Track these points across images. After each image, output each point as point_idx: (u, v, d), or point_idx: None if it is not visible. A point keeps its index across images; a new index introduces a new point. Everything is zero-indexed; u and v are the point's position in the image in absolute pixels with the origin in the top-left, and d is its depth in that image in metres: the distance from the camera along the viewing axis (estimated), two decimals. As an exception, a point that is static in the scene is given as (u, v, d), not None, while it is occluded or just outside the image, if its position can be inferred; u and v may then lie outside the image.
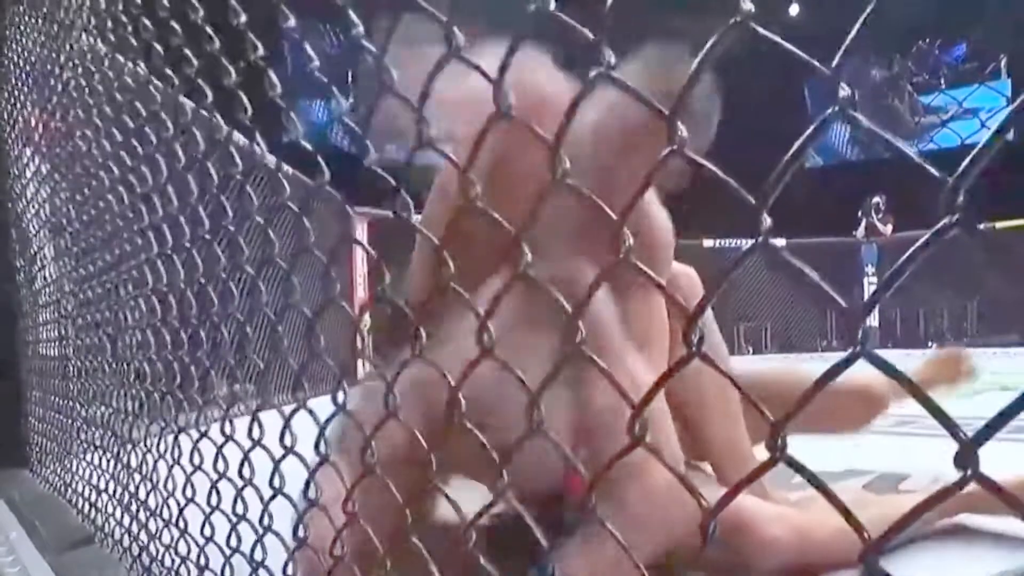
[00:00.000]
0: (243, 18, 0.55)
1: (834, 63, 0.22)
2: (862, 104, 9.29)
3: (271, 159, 0.58)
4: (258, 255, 0.59)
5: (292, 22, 0.50)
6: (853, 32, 0.24)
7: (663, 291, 0.29)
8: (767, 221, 0.25)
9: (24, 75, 1.53)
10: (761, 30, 0.24)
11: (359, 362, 0.59)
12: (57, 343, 1.50)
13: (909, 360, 1.36)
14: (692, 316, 0.27)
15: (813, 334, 7.47)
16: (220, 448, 0.69)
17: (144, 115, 0.83)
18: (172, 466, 0.82)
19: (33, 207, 1.59)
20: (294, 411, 0.57)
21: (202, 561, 0.74)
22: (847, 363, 0.24)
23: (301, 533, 0.58)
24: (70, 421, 1.35)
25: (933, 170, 0.20)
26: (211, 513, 0.73)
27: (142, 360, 0.92)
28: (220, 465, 0.70)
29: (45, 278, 1.57)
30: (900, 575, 0.25)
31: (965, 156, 0.22)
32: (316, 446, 0.54)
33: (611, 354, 0.76)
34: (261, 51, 0.53)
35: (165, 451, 0.84)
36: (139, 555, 0.92)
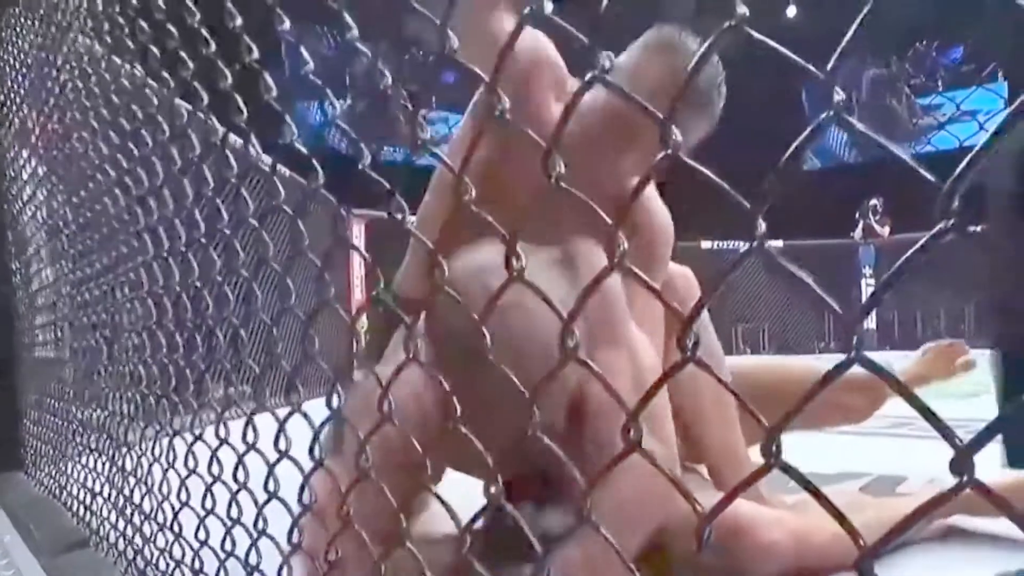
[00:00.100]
0: (239, 21, 0.55)
1: (829, 67, 0.22)
2: (860, 106, 9.33)
3: (267, 161, 0.58)
4: (253, 258, 0.59)
5: (287, 25, 0.50)
6: (848, 36, 0.24)
7: (659, 296, 0.29)
8: (762, 226, 0.25)
9: (20, 77, 1.53)
10: (755, 34, 0.24)
11: (354, 365, 0.58)
12: (53, 345, 1.49)
13: (906, 362, 1.37)
14: (687, 321, 0.27)
15: (811, 335, 7.48)
16: (215, 451, 0.69)
17: (140, 117, 0.82)
18: (167, 469, 0.82)
19: (30, 209, 1.58)
20: (289, 415, 0.56)
21: (197, 565, 0.73)
22: (842, 368, 0.24)
23: (296, 537, 0.57)
24: (65, 424, 1.35)
25: (928, 175, 0.20)
26: (206, 517, 0.72)
27: (137, 363, 0.91)
28: (215, 469, 0.70)
29: (41, 280, 1.57)
30: (897, 577, 0.24)
31: (963, 158, 0.22)
32: (311, 450, 0.54)
33: (619, 327, 0.77)
34: (256, 54, 0.53)
35: (160, 454, 0.84)
36: (134, 559, 0.91)
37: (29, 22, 1.43)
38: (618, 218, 0.29)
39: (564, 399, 0.72)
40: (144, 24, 0.74)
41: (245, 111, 0.56)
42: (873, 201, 7.96)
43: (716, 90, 0.90)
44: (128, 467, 0.93)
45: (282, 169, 0.57)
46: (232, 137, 0.61)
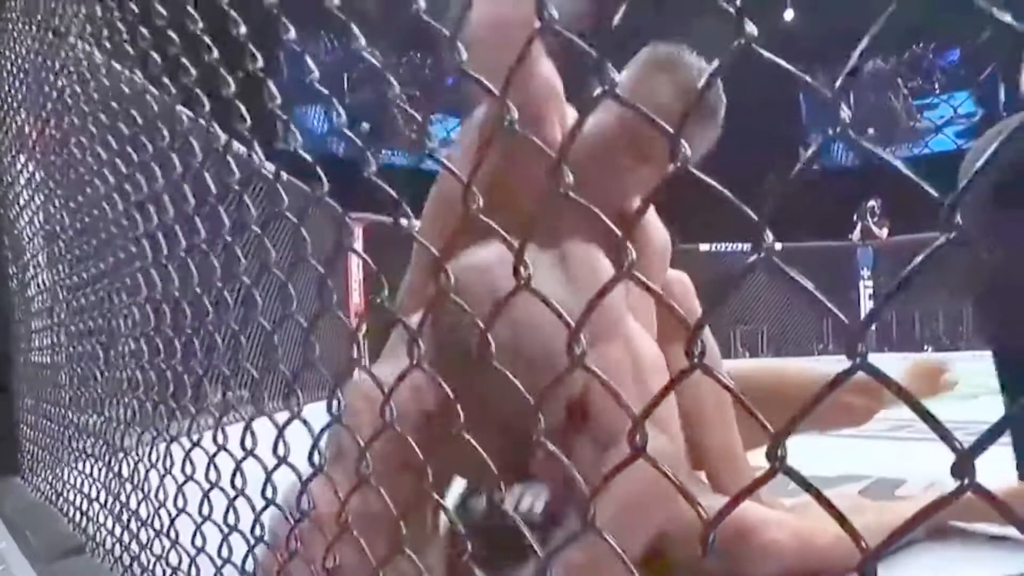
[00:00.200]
0: (243, 29, 0.55)
1: (836, 85, 0.22)
2: (859, 107, 9.36)
3: (269, 167, 0.57)
4: (255, 264, 0.59)
5: (292, 34, 0.50)
6: (855, 57, 0.23)
7: (663, 302, 0.29)
8: (770, 237, 0.25)
9: (18, 82, 1.53)
10: (765, 53, 0.24)
11: (355, 372, 0.58)
12: (50, 350, 1.49)
13: (905, 364, 1.37)
14: (694, 329, 0.27)
15: (809, 337, 7.49)
16: (212, 458, 0.69)
17: (140, 123, 0.82)
18: (164, 476, 0.81)
19: (27, 214, 1.58)
20: (288, 421, 0.56)
21: (193, 571, 0.73)
22: (846, 376, 0.24)
23: (294, 543, 0.57)
24: (62, 429, 1.34)
25: (931, 189, 0.20)
26: (202, 523, 0.72)
27: (135, 368, 0.91)
28: (212, 475, 0.69)
29: (38, 285, 1.56)
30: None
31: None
32: (310, 457, 0.54)
33: (617, 322, 0.77)
34: (260, 61, 0.53)
35: (157, 460, 0.84)
36: (130, 565, 0.91)
37: (26, 27, 1.43)
38: (626, 229, 0.29)
39: (564, 400, 0.72)
40: (144, 30, 0.74)
41: (247, 118, 0.56)
42: (871, 203, 7.99)
43: (719, 100, 0.91)
44: (125, 473, 0.93)
45: (282, 174, 0.57)
46: (232, 142, 0.61)
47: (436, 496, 0.45)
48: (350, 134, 0.48)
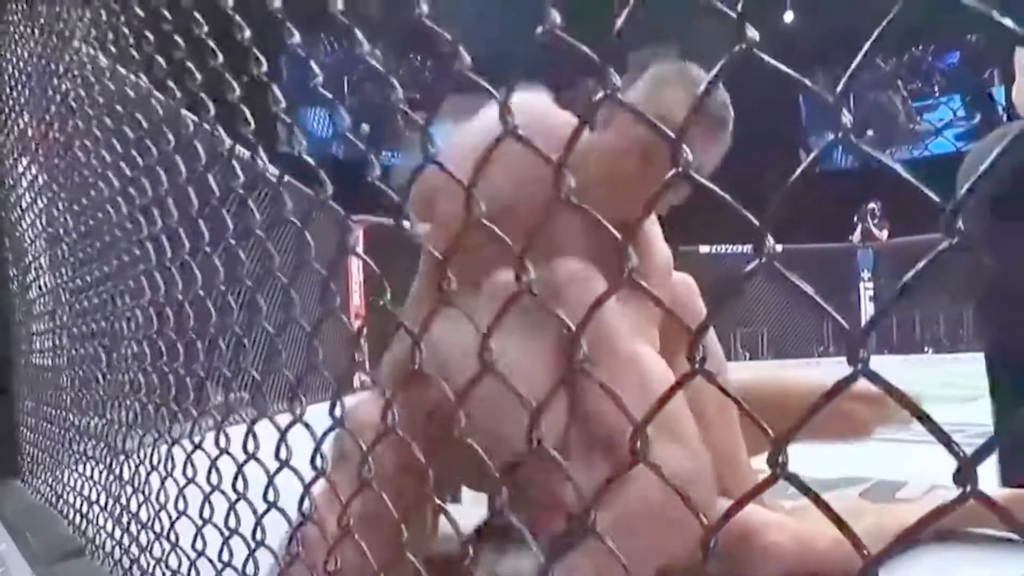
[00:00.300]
0: (247, 33, 0.55)
1: (838, 91, 0.22)
2: (858, 108, 9.36)
3: (272, 170, 0.57)
4: (257, 268, 0.59)
5: (296, 37, 0.50)
6: (857, 60, 0.24)
7: (667, 311, 0.29)
8: (771, 243, 0.25)
9: (21, 85, 1.53)
10: (767, 58, 0.24)
11: (356, 374, 0.58)
12: (51, 353, 1.49)
13: (906, 366, 1.36)
14: (696, 335, 0.27)
15: (810, 340, 7.48)
16: (214, 461, 0.69)
17: (144, 127, 0.82)
18: (165, 478, 0.81)
19: (29, 216, 1.58)
20: (290, 425, 0.56)
21: (192, 575, 0.73)
22: (847, 383, 0.24)
23: (296, 547, 0.57)
24: (63, 431, 1.34)
25: (933, 195, 0.20)
26: (203, 526, 0.72)
27: (136, 371, 0.91)
28: (213, 478, 0.69)
29: (40, 288, 1.56)
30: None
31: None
32: (312, 461, 0.54)
33: (620, 355, 0.77)
34: (264, 65, 0.53)
35: (158, 463, 0.83)
36: (130, 568, 0.91)
37: (29, 30, 1.43)
38: (627, 234, 0.29)
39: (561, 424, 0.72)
40: (150, 35, 0.75)
41: (251, 121, 0.56)
42: (871, 205, 7.99)
43: (727, 113, 0.92)
44: (125, 475, 0.93)
45: (287, 178, 0.57)
46: (236, 145, 0.61)
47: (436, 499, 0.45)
48: (353, 138, 0.48)
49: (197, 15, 0.62)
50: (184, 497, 0.77)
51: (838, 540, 0.26)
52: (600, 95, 0.30)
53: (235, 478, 0.65)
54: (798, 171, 0.25)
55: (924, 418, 0.24)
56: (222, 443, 0.67)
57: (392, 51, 8.26)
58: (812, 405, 0.26)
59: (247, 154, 0.61)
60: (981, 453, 0.23)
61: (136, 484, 0.89)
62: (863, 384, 0.24)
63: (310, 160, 0.49)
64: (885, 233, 7.93)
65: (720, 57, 0.26)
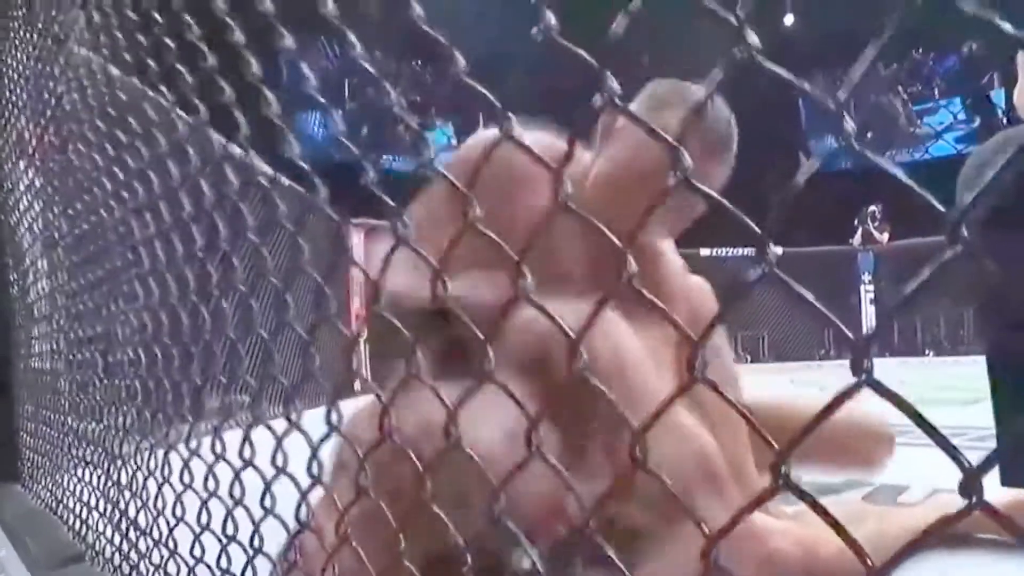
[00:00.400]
0: (239, 36, 0.55)
1: (841, 96, 0.22)
2: (858, 111, 9.37)
3: (267, 172, 0.57)
4: (251, 271, 0.58)
5: (290, 41, 0.49)
6: (860, 67, 0.23)
7: (669, 319, 0.29)
8: (772, 250, 0.24)
9: (18, 88, 1.53)
10: (768, 64, 0.24)
11: (354, 381, 0.58)
12: (50, 356, 1.48)
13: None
14: (695, 344, 0.27)
15: (811, 344, 7.47)
16: (211, 467, 0.68)
17: (139, 129, 0.82)
18: (162, 484, 0.81)
19: (27, 220, 1.58)
20: (286, 431, 0.56)
21: (192, 582, 0.72)
22: (850, 393, 0.24)
23: (293, 555, 0.57)
24: (62, 436, 1.34)
25: (936, 202, 0.20)
26: (201, 533, 0.71)
27: (133, 376, 0.90)
28: (210, 484, 0.69)
29: (38, 291, 1.56)
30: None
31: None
32: (308, 468, 0.53)
33: (648, 399, 0.76)
34: (256, 70, 0.53)
35: (155, 468, 0.83)
36: (129, 574, 0.90)
37: (27, 34, 1.43)
38: (627, 241, 0.28)
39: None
40: (142, 37, 0.74)
41: (245, 125, 0.56)
42: (872, 207, 7.99)
43: (731, 131, 0.91)
44: (123, 481, 0.92)
45: (281, 178, 0.56)
46: (231, 148, 0.61)
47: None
48: (349, 143, 0.48)
49: (189, 17, 0.62)
50: (182, 503, 0.76)
51: (842, 547, 0.25)
52: (599, 101, 0.29)
53: (232, 484, 0.64)
54: (799, 177, 0.24)
55: (930, 429, 0.24)
56: (218, 449, 0.67)
57: (392, 54, 8.29)
58: (817, 414, 0.25)
59: (250, 157, 0.60)
60: (986, 464, 0.23)
61: (134, 489, 0.89)
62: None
63: (303, 165, 0.49)
64: (886, 236, 7.92)
65: (722, 63, 0.26)
